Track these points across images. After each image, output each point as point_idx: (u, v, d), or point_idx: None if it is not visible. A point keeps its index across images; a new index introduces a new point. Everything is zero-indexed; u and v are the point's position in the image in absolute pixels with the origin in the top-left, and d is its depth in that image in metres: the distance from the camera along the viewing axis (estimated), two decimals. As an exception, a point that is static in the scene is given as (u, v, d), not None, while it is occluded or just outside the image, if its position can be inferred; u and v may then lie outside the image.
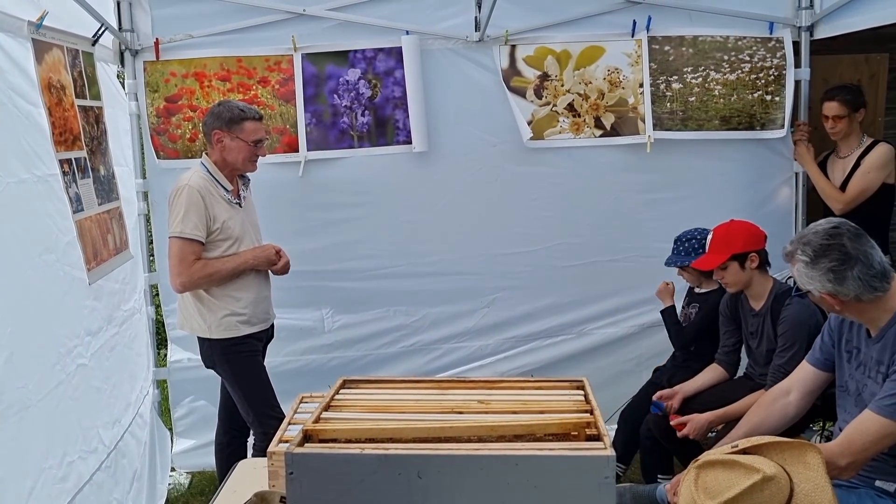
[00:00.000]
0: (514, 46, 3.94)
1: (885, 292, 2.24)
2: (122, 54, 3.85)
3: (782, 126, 4.01)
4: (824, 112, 3.90)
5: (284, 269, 3.35)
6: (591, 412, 1.90)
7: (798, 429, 3.06)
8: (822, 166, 4.01)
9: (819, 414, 3.15)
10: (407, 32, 3.87)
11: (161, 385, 4.25)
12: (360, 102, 3.95)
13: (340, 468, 1.69)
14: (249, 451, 3.39)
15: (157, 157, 3.89)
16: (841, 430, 2.43)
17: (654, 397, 3.39)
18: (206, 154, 3.22)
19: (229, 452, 3.36)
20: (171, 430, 4.22)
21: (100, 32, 3.43)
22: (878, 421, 2.14)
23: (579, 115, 3.99)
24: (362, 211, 4.02)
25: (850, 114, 3.84)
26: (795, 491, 2.05)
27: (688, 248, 3.52)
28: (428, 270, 4.09)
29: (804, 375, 2.58)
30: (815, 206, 4.07)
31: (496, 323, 4.16)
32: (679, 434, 3.23)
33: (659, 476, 3.44)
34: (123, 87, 3.93)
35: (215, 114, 3.18)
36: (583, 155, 4.02)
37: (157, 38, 3.80)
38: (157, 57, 3.82)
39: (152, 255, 4.07)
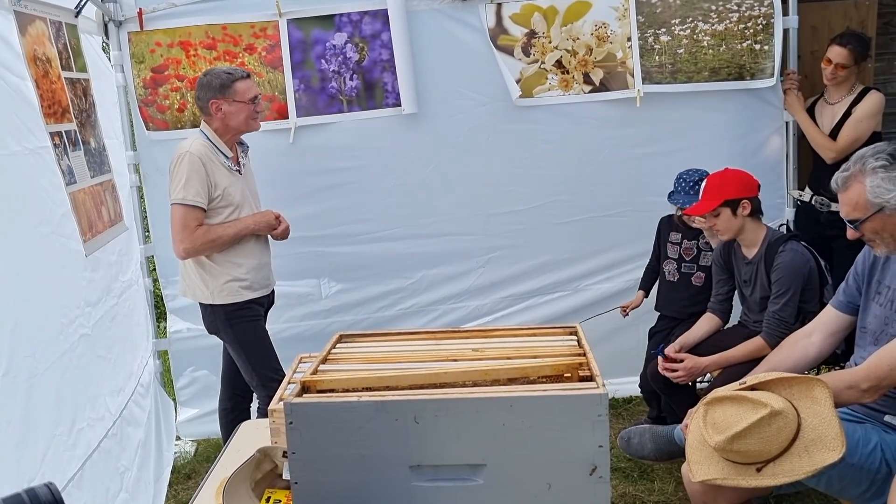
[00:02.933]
0: (500, 4, 3.91)
1: None
2: (105, 25, 3.82)
3: (772, 75, 3.99)
4: (829, 55, 3.85)
5: (284, 234, 3.37)
6: (584, 355, 1.93)
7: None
8: (811, 112, 4.00)
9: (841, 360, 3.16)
10: (392, -6, 3.84)
11: (162, 356, 4.28)
12: (348, 66, 3.93)
13: (338, 416, 1.72)
14: (253, 416, 3.43)
15: (147, 129, 3.89)
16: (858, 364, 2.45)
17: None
18: (205, 122, 3.22)
19: (233, 418, 3.40)
20: (174, 399, 4.27)
21: (82, 3, 3.40)
22: None
23: (568, 72, 3.98)
24: (354, 175, 4.02)
25: (855, 64, 3.82)
26: (802, 425, 2.07)
27: (686, 189, 3.54)
28: (422, 232, 4.10)
29: (827, 318, 2.57)
30: (805, 155, 4.08)
31: (492, 282, 4.19)
32: (673, 378, 3.27)
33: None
34: (109, 59, 3.91)
35: (205, 85, 3.17)
36: (573, 111, 4.01)
37: (140, 8, 3.78)
38: (142, 27, 3.80)
39: (147, 228, 4.08)
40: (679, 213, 3.70)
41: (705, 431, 2.11)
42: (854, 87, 3.89)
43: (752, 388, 2.14)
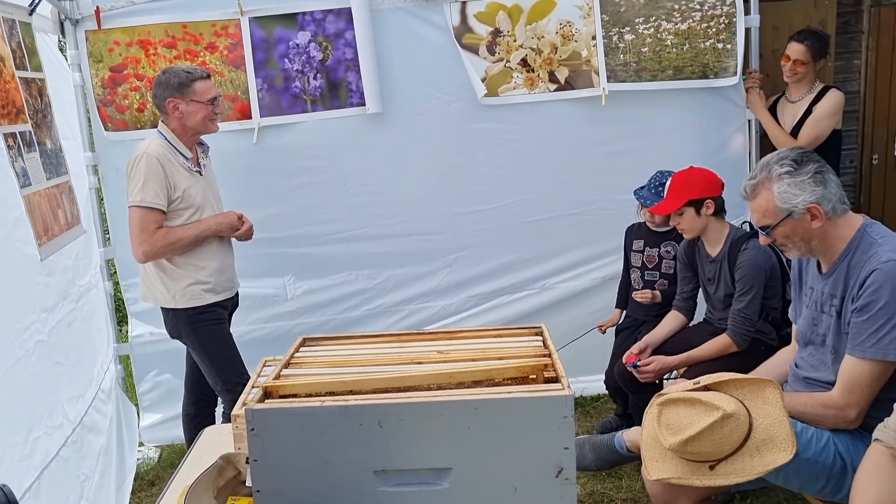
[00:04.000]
0: (464, 3, 3.90)
1: (848, 210, 2.28)
2: (62, 24, 3.74)
3: (735, 74, 4.02)
4: (788, 52, 3.90)
5: (248, 235, 3.32)
6: (550, 356, 1.92)
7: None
8: (773, 110, 4.05)
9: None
10: (356, -8, 3.81)
11: (124, 361, 4.20)
12: (312, 66, 3.89)
13: (301, 421, 1.69)
14: (218, 421, 3.38)
15: (105, 129, 3.81)
16: (797, 366, 2.49)
17: (627, 355, 3.41)
18: (163, 122, 3.16)
19: (198, 423, 3.34)
20: (136, 405, 4.19)
21: (37, 1, 3.32)
22: (866, 364, 2.17)
23: (533, 70, 3.98)
24: (319, 175, 3.98)
25: (813, 61, 3.87)
26: (754, 425, 2.10)
27: (653, 187, 3.56)
28: (388, 232, 4.07)
29: (795, 332, 2.61)
30: (767, 153, 4.09)
31: (459, 282, 4.18)
32: (641, 378, 3.29)
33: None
34: (66, 58, 3.82)
35: (163, 83, 3.10)
36: (538, 110, 4.01)
37: (97, 6, 3.70)
38: (99, 26, 3.72)
39: (107, 230, 4.00)
40: (642, 212, 3.72)
41: (659, 432, 2.13)
42: (814, 85, 3.94)
43: (706, 387, 2.16)
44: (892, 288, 2.12)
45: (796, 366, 2.51)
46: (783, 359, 2.66)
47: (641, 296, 3.71)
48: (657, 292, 3.69)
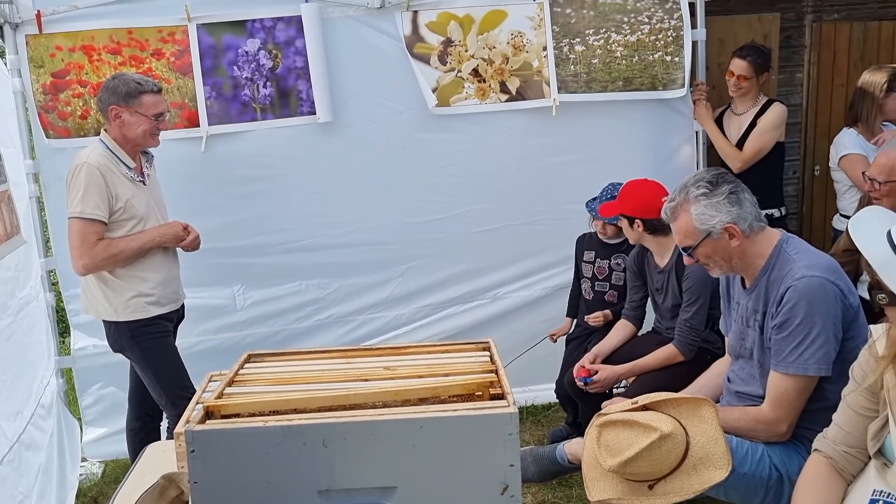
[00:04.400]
0: (416, 12, 3.89)
1: (766, 227, 2.36)
2: (1, 28, 3.63)
3: (682, 86, 4.09)
4: (732, 68, 3.99)
5: (194, 245, 3.25)
6: (496, 372, 1.92)
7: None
8: (719, 122, 4.13)
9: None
10: (306, 0, 3.77)
11: (66, 374, 4.09)
12: (262, 74, 3.84)
13: (243, 442, 1.66)
14: (163, 436, 3.31)
15: (47, 137, 3.71)
16: (729, 380, 2.55)
17: (577, 367, 3.42)
18: (105, 130, 3.08)
19: (142, 438, 3.26)
20: (79, 419, 4.09)
21: (-26, 5, 3.24)
22: (790, 379, 2.23)
23: (484, 81, 3.99)
24: (269, 184, 3.93)
25: (756, 76, 3.96)
26: (691, 444, 2.16)
27: (604, 198, 3.61)
28: (339, 242, 4.04)
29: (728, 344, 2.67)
30: (714, 164, 4.19)
31: (410, 292, 4.16)
32: (590, 389, 3.32)
33: None
34: (5, 63, 3.71)
35: (110, 88, 3.03)
36: (489, 120, 4.02)
37: (38, 10, 3.59)
38: (41, 30, 3.62)
39: (48, 240, 3.89)
40: (593, 224, 3.76)
41: (599, 454, 2.17)
42: (758, 98, 4.03)
43: (644, 407, 2.20)
44: (807, 304, 2.19)
45: (728, 380, 2.57)
46: (718, 371, 2.72)
47: (594, 320, 3.72)
48: (608, 312, 3.72)
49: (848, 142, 3.85)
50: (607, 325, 3.68)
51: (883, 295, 1.72)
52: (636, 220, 3.26)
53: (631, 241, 3.40)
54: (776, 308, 2.25)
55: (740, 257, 2.35)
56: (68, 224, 2.95)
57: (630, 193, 3.31)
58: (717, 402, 2.59)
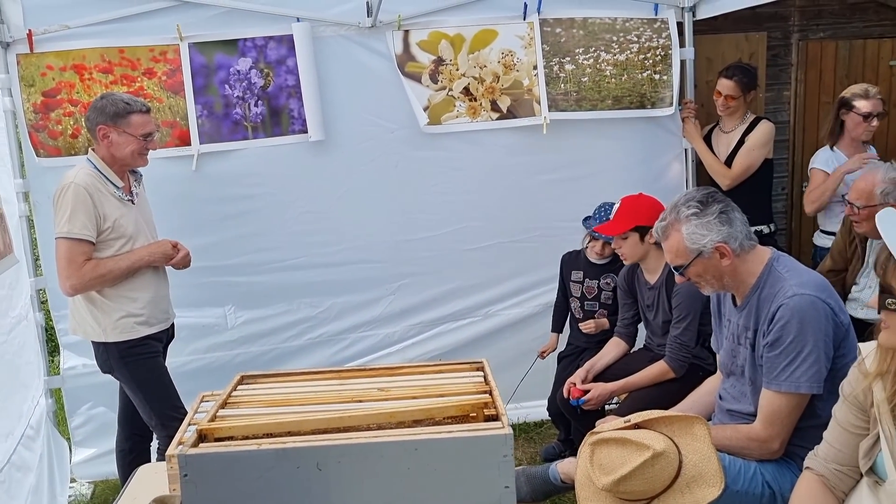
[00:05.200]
0: (407, 31, 3.92)
1: (756, 245, 2.37)
2: (-8, 47, 3.63)
3: (671, 104, 4.13)
4: (719, 88, 4.03)
5: (185, 263, 3.23)
6: (490, 393, 1.92)
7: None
8: (708, 139, 4.16)
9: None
10: (298, 19, 3.79)
11: (56, 394, 4.06)
12: (253, 92, 3.85)
13: (237, 466, 1.66)
14: (153, 457, 3.28)
15: (37, 156, 3.70)
16: (721, 398, 2.56)
17: (568, 384, 3.42)
18: (93, 150, 3.07)
19: (132, 459, 3.24)
20: (68, 439, 4.05)
21: (-35, 25, 3.23)
22: (782, 397, 2.24)
23: (475, 99, 4.01)
24: (260, 203, 3.93)
25: (743, 95, 4.00)
26: (684, 462, 2.16)
27: (600, 217, 3.61)
28: (331, 261, 4.03)
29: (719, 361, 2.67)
30: (703, 181, 4.23)
31: (402, 310, 4.15)
32: (583, 407, 3.32)
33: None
34: (-5, 83, 3.71)
35: (98, 108, 3.02)
36: (480, 138, 4.04)
37: (30, 30, 3.59)
38: (32, 49, 3.62)
39: (38, 259, 3.87)
40: (588, 243, 3.77)
41: (592, 472, 2.17)
42: (746, 116, 4.07)
43: (636, 425, 2.21)
44: (798, 322, 2.20)
45: (720, 397, 2.58)
46: (710, 388, 2.73)
47: (586, 327, 3.75)
48: (603, 321, 3.74)
49: (817, 157, 3.91)
50: (599, 343, 3.69)
51: (893, 300, 1.72)
52: (651, 230, 3.26)
53: (631, 260, 3.37)
54: (768, 326, 2.27)
55: (731, 275, 2.37)
56: (56, 244, 2.94)
57: (638, 206, 3.30)
58: (709, 419, 2.60)
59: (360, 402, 1.92)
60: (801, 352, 2.20)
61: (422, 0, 3.90)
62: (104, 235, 2.98)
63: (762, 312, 2.30)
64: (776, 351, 2.23)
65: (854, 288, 3.43)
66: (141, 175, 3.24)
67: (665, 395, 3.02)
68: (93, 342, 3.11)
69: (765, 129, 4.00)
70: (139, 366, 3.09)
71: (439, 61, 3.96)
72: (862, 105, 3.75)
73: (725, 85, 3.99)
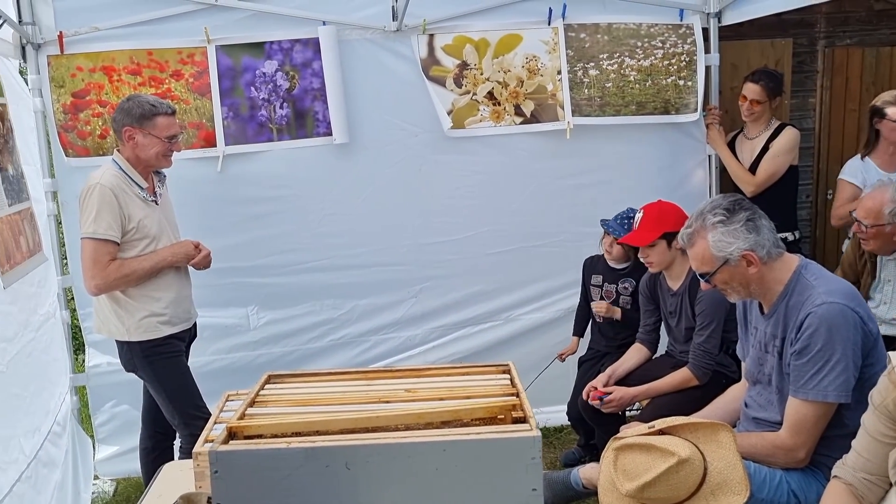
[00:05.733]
0: (432, 35, 3.94)
1: (784, 253, 2.35)
2: (23, 48, 3.68)
3: (695, 110, 4.12)
4: (744, 92, 4.00)
5: (206, 263, 3.25)
6: (517, 395, 1.92)
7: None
8: (732, 146, 4.14)
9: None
10: (324, 23, 3.82)
11: (80, 391, 4.10)
12: (279, 95, 3.88)
13: (266, 464, 1.67)
14: (176, 455, 3.31)
15: (66, 156, 3.75)
16: (747, 405, 2.54)
17: (589, 387, 3.41)
18: (118, 151, 3.11)
19: (155, 457, 3.27)
20: (92, 437, 4.09)
21: (-2, 26, 3.29)
22: (809, 405, 2.22)
23: (499, 103, 4.02)
24: (284, 205, 3.96)
25: (769, 100, 3.97)
26: (709, 469, 2.15)
27: (619, 221, 3.59)
28: (353, 263, 4.06)
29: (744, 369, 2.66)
30: (727, 188, 4.21)
31: (424, 312, 4.17)
32: (604, 409, 3.31)
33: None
34: (26, 83, 3.76)
35: (125, 110, 3.05)
36: (504, 142, 4.05)
37: (60, 31, 3.65)
38: (62, 51, 3.67)
39: (65, 257, 3.92)
40: (602, 241, 3.77)
41: (616, 478, 2.16)
42: (771, 122, 4.04)
43: (661, 431, 2.20)
44: (827, 331, 2.18)
45: (746, 405, 2.56)
46: (734, 395, 2.71)
47: (597, 306, 3.75)
48: (617, 309, 3.73)
49: (846, 168, 3.88)
50: (619, 347, 3.68)
51: None
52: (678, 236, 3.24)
53: (659, 267, 3.35)
54: (796, 334, 2.25)
55: (758, 283, 2.35)
56: (81, 244, 2.97)
57: (663, 213, 3.27)
58: (734, 426, 2.58)
59: (388, 402, 1.92)
60: (829, 360, 2.18)
61: (447, 4, 3.92)
62: (128, 236, 3.01)
63: (790, 320, 2.29)
64: (804, 359, 2.22)
65: (869, 304, 3.39)
66: (165, 176, 3.27)
67: (688, 401, 3.01)
68: (117, 341, 3.14)
69: (790, 135, 3.97)
70: (162, 365, 3.12)
71: (464, 65, 3.98)
72: (893, 112, 3.71)
73: (751, 89, 3.97)
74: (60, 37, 3.66)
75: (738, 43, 4.52)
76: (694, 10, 4.09)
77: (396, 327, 4.15)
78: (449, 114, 3.98)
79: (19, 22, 3.58)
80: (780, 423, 2.33)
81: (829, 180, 4.85)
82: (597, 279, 3.84)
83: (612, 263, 3.77)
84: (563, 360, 3.99)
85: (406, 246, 4.08)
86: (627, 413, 3.75)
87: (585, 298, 3.93)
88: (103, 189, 2.94)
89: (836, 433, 2.24)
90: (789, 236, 3.99)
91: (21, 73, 3.84)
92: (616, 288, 3.78)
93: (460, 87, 3.99)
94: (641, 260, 3.39)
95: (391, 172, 4.00)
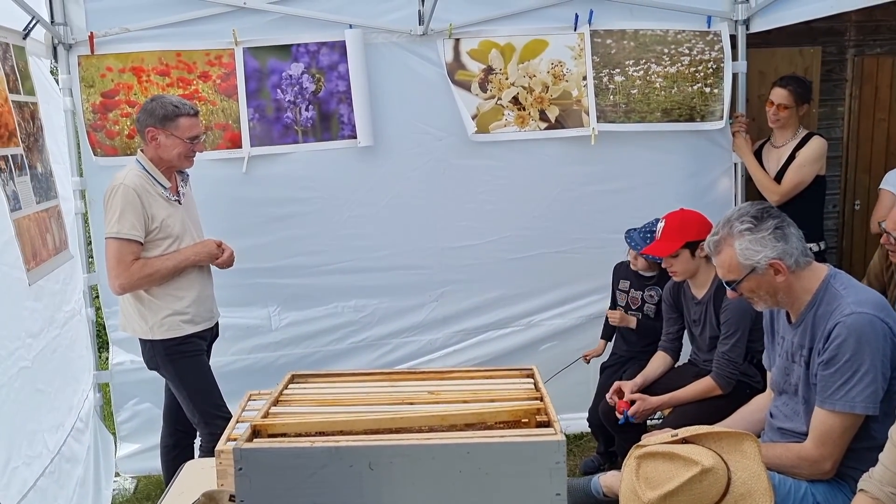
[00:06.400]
0: (458, 40, 3.94)
1: (812, 262, 2.32)
2: (55, 48, 3.73)
3: (721, 118, 4.09)
4: (772, 97, 3.96)
5: (229, 262, 3.27)
6: (542, 399, 1.91)
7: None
8: (758, 154, 4.10)
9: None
10: (350, 26, 3.84)
11: (103, 388, 4.14)
12: (304, 97, 3.91)
13: (290, 462, 1.68)
14: (196, 453, 3.33)
15: (95, 155, 3.79)
16: (772, 416, 2.51)
17: (617, 385, 3.41)
18: (142, 151, 3.14)
19: (175, 455, 3.29)
20: (114, 434, 4.13)
21: (31, 26, 3.33)
22: (836, 416, 2.20)
23: (524, 108, 4.02)
24: (307, 206, 3.98)
25: (796, 106, 3.93)
26: (733, 480, 2.12)
27: (642, 234, 3.58)
28: (375, 265, 4.06)
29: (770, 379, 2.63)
30: (753, 197, 4.17)
31: (445, 316, 4.17)
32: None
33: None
34: (57, 83, 3.81)
35: (148, 110, 3.08)
36: (528, 148, 4.05)
37: (91, 32, 3.69)
38: (92, 51, 3.71)
39: (91, 256, 3.96)
40: (628, 254, 3.75)
41: (638, 486, 2.14)
42: (798, 131, 3.99)
43: (684, 440, 2.17)
44: (856, 341, 2.15)
45: (771, 415, 2.53)
46: (759, 405, 2.68)
47: (612, 316, 3.75)
48: (630, 317, 3.72)
49: (888, 178, 3.84)
50: (641, 352, 3.66)
51: None
52: (701, 244, 3.21)
53: (683, 277, 3.33)
54: (823, 344, 2.22)
55: (786, 292, 2.32)
56: (105, 244, 3.00)
57: (685, 222, 3.25)
58: (758, 437, 2.55)
59: (412, 404, 1.92)
60: (857, 371, 2.15)
61: (473, 9, 3.93)
62: (152, 235, 3.03)
63: (818, 330, 2.26)
64: (831, 369, 2.19)
65: None
66: (188, 175, 3.29)
67: (711, 411, 2.97)
68: (140, 339, 3.16)
69: (816, 145, 3.93)
70: (184, 363, 3.14)
71: (489, 70, 3.98)
72: None
73: (779, 94, 3.93)
74: (91, 37, 3.70)
75: (766, 51, 4.49)
76: (722, 17, 4.07)
77: (417, 331, 4.16)
78: (473, 118, 3.98)
79: (51, 22, 3.63)
80: (806, 434, 2.30)
81: (857, 190, 4.80)
82: (624, 284, 3.83)
83: (638, 270, 3.75)
84: (588, 362, 3.97)
85: (428, 249, 4.08)
86: (649, 422, 3.72)
87: (614, 303, 3.91)
88: (127, 189, 2.97)
89: (863, 445, 2.21)
90: (815, 247, 3.94)
91: (52, 72, 3.88)
92: (642, 295, 3.76)
93: (485, 92, 3.99)
94: (665, 268, 3.37)
95: (415, 176, 4.00)
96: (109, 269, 3.00)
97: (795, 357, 2.36)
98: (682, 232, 3.23)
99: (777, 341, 2.51)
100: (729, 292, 2.42)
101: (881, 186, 3.87)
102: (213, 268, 3.30)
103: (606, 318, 3.97)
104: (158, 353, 3.13)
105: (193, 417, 3.19)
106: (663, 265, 3.37)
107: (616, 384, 3.41)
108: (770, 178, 3.99)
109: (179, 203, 3.17)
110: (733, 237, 2.32)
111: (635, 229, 3.65)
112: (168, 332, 3.10)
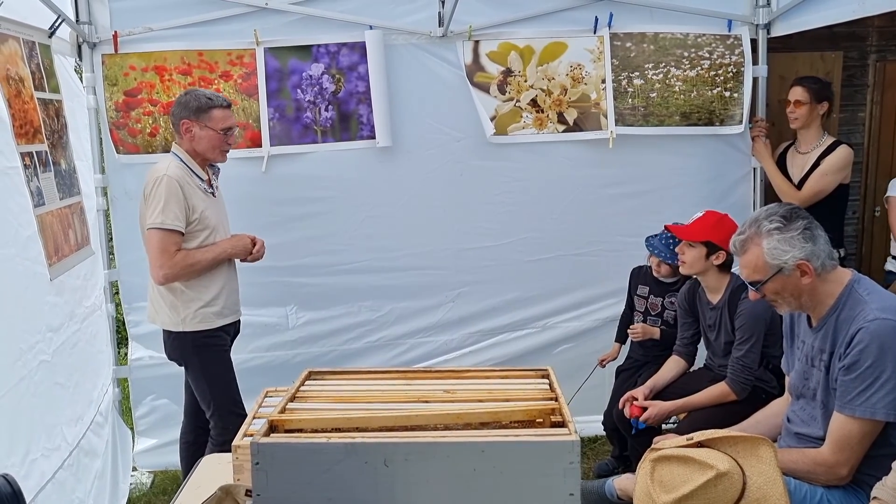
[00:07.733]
0: (477, 42, 3.96)
1: (837, 266, 2.31)
2: (79, 47, 3.78)
3: (741, 122, 4.08)
4: (788, 96, 3.95)
5: (260, 256, 3.32)
6: (556, 399, 1.92)
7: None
8: (782, 157, 4.07)
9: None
10: (370, 27, 3.86)
11: (122, 384, 4.18)
12: (324, 97, 3.93)
13: (306, 457, 1.69)
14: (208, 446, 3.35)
15: (117, 152, 3.83)
16: (789, 420, 2.50)
17: (629, 395, 3.39)
18: (177, 144, 3.17)
19: (195, 450, 3.31)
20: (132, 428, 4.17)
21: (57, 24, 3.38)
22: (855, 422, 2.18)
23: (542, 111, 4.03)
24: (326, 206, 4.00)
25: (812, 102, 3.88)
26: (748, 484, 2.11)
27: (664, 241, 3.56)
28: (392, 266, 4.08)
29: (788, 384, 2.61)
30: (772, 201, 4.13)
31: (461, 317, 4.18)
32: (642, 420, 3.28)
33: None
34: (81, 81, 3.86)
35: (182, 103, 3.13)
36: (546, 150, 4.05)
37: (115, 31, 3.74)
38: (116, 50, 3.76)
39: (112, 252, 4.00)
40: (650, 261, 3.74)
41: (652, 489, 2.13)
42: (823, 138, 3.94)
43: (699, 444, 2.17)
44: (878, 347, 2.14)
45: (788, 420, 2.51)
46: (775, 410, 2.66)
47: (633, 332, 3.74)
48: (654, 329, 3.70)
49: (893, 184, 3.80)
50: (657, 357, 3.65)
51: None
52: (719, 252, 3.21)
53: (688, 268, 3.32)
54: (845, 349, 2.20)
55: (810, 295, 2.30)
56: (147, 235, 3.02)
57: (718, 223, 3.23)
58: (775, 442, 2.54)
59: (427, 402, 1.94)
60: (878, 377, 2.14)
61: (493, 11, 3.94)
62: (192, 227, 3.07)
63: (840, 335, 2.24)
64: (852, 375, 2.17)
65: None
66: (218, 169, 3.33)
67: (726, 416, 2.97)
68: (165, 331, 3.19)
69: (842, 153, 3.87)
70: (209, 355, 3.17)
71: (508, 72, 3.99)
72: None
73: (794, 91, 3.90)
74: (115, 36, 3.75)
75: (787, 55, 4.46)
76: (743, 21, 4.06)
77: (433, 331, 4.17)
78: (492, 120, 3.99)
79: (77, 21, 3.68)
80: (823, 439, 2.28)
81: (877, 196, 4.76)
82: (643, 290, 3.81)
83: (659, 277, 3.74)
84: (604, 367, 3.96)
85: (445, 250, 4.10)
86: (664, 426, 3.70)
87: (630, 306, 3.90)
88: (170, 180, 3.00)
89: (881, 452, 2.19)
90: (834, 253, 3.91)
91: (76, 70, 3.93)
92: (662, 301, 3.75)
93: (504, 94, 4.00)
94: (678, 255, 3.36)
95: (433, 177, 4.02)
96: (153, 259, 3.02)
97: (815, 361, 2.35)
98: (713, 230, 3.22)
99: (797, 345, 2.49)
100: (751, 293, 2.38)
101: (888, 194, 3.84)
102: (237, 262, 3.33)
103: (621, 321, 3.96)
104: (187, 345, 3.15)
105: (208, 409, 3.21)
106: (676, 249, 3.37)
107: (627, 394, 3.40)
108: (789, 183, 3.96)
109: (214, 195, 3.21)
110: (761, 236, 2.29)
111: (655, 235, 3.64)
112: (199, 325, 3.13)
